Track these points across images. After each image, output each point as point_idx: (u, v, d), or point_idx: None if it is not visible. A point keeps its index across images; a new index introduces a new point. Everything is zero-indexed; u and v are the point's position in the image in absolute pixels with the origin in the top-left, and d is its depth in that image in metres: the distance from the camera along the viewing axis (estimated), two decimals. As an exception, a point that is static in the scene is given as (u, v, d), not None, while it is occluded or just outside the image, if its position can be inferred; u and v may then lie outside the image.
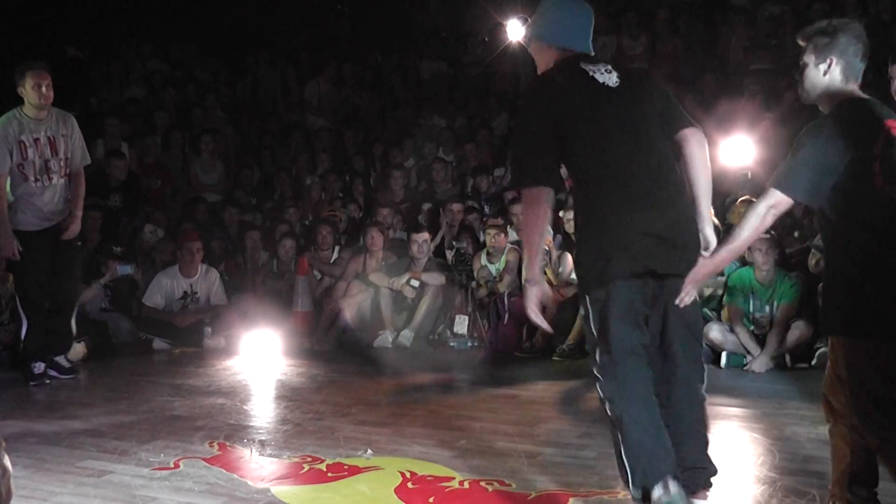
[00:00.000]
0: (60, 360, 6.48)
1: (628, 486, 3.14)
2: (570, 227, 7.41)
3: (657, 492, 3.00)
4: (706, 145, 3.23)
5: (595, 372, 3.12)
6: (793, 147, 3.12)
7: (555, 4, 3.21)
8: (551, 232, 7.32)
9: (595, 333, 3.09)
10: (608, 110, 3.00)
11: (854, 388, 3.12)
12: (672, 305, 3.11)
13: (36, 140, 6.18)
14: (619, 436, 3.05)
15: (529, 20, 3.27)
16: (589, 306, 3.09)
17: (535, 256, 3.06)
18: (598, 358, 3.09)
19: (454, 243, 8.18)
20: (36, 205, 6.22)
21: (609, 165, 2.97)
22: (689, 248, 3.14)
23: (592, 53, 3.19)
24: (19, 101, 6.20)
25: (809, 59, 3.21)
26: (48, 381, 6.28)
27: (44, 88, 6.11)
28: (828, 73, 3.18)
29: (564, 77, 3.06)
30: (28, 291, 6.33)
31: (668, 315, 3.13)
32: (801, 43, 3.27)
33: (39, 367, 6.29)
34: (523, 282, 2.97)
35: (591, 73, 3.05)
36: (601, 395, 3.09)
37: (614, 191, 2.96)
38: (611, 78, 3.04)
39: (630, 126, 3.00)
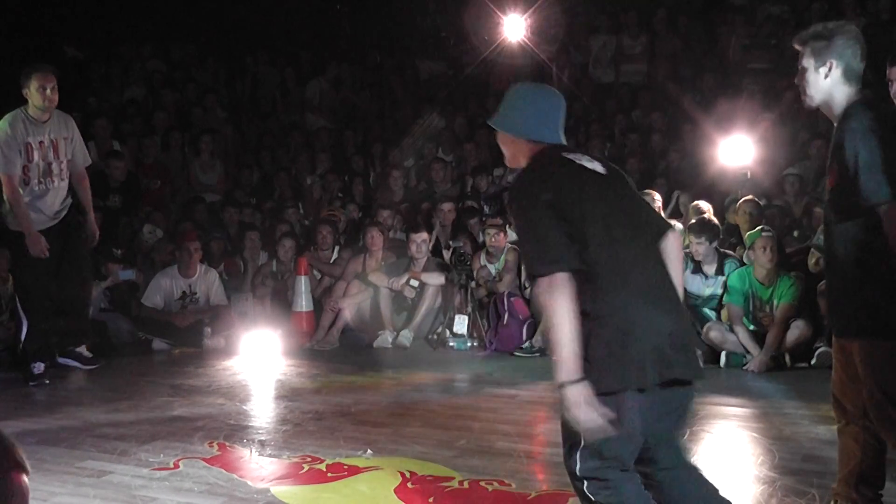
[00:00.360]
0: (82, 350, 6.51)
1: None
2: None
3: None
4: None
5: (581, 474, 2.72)
6: (850, 156, 3.03)
7: (523, 96, 3.02)
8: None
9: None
10: (607, 197, 2.83)
11: (871, 388, 3.12)
12: (678, 418, 2.85)
13: (40, 143, 6.17)
14: None
15: (498, 108, 3.02)
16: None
17: (566, 352, 2.62)
18: (585, 461, 2.72)
19: (451, 243, 8.17)
20: (38, 206, 6.22)
21: (617, 254, 2.77)
22: (694, 351, 2.93)
23: (565, 143, 3.00)
24: (17, 102, 6.18)
25: (809, 63, 3.17)
26: (48, 381, 6.27)
27: (48, 91, 6.09)
28: (829, 75, 3.14)
29: (555, 165, 2.87)
30: (28, 292, 6.33)
31: (673, 426, 2.86)
32: (798, 48, 3.22)
33: (39, 367, 6.29)
34: (560, 386, 2.62)
35: (578, 161, 2.87)
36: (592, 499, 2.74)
37: (625, 281, 2.74)
38: (597, 166, 2.88)
39: (629, 216, 2.85)
